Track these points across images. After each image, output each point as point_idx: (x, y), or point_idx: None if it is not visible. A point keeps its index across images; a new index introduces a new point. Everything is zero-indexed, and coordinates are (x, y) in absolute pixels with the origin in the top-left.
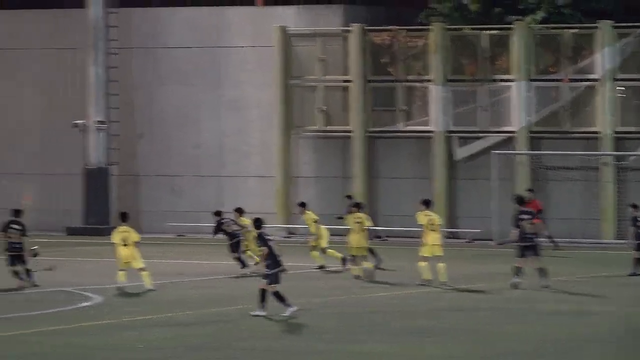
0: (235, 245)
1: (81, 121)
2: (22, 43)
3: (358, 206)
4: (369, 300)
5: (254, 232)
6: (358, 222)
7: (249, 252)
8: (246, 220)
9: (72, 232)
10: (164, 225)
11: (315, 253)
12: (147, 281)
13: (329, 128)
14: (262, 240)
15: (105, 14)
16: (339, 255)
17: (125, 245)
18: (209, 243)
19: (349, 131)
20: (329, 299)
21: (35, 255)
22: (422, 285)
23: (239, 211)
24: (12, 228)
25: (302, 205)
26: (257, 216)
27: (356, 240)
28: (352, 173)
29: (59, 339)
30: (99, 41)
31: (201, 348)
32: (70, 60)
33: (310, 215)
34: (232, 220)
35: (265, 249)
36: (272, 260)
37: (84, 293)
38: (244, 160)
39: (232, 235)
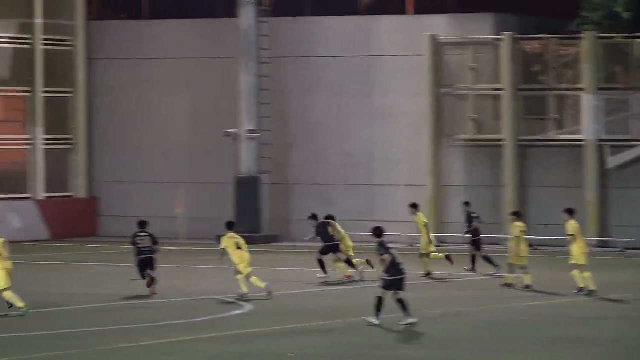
0: (332, 249)
1: (233, 130)
2: (175, 52)
3: (518, 215)
4: (520, 309)
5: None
6: (522, 231)
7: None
8: (337, 228)
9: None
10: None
11: (425, 260)
12: (259, 284)
13: (479, 137)
14: (383, 248)
15: (257, 24)
16: (441, 256)
17: (239, 249)
18: (357, 251)
19: (500, 140)
20: (482, 308)
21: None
22: (578, 293)
23: (332, 218)
24: (139, 236)
25: (414, 206)
26: (378, 225)
27: (519, 249)
28: (503, 181)
29: (211, 346)
30: (250, 50)
31: (352, 356)
32: (222, 69)
33: (420, 217)
34: (326, 224)
35: (387, 257)
36: (394, 268)
37: (236, 301)
38: (393, 169)
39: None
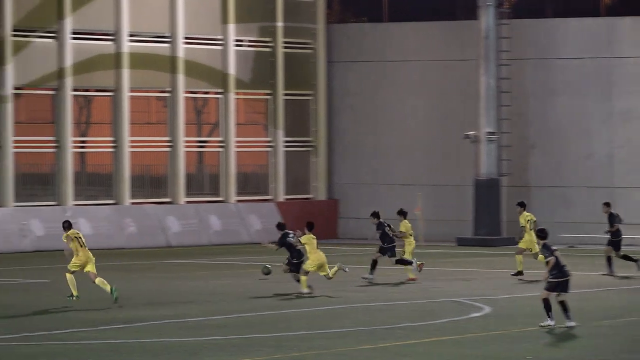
0: (387, 251)
1: (472, 132)
2: (414, 54)
3: None
4: None
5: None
6: None
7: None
8: (406, 226)
9: (462, 242)
10: (556, 236)
11: (520, 257)
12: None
13: None
14: (547, 250)
15: (497, 26)
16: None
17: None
18: (594, 254)
19: None
20: None
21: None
22: None
23: (403, 214)
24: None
25: (522, 205)
26: (542, 227)
27: None
28: None
29: (449, 349)
30: (490, 52)
31: None
32: (462, 72)
33: (525, 216)
34: (388, 225)
35: (552, 259)
36: (558, 270)
37: (475, 303)
38: (634, 172)
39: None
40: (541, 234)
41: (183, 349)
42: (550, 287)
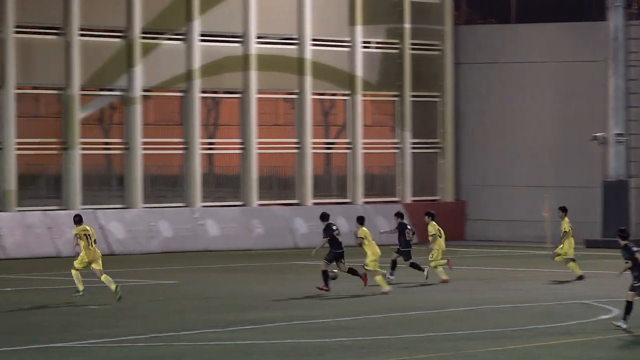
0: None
1: (600, 134)
2: (542, 55)
3: None
4: None
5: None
6: None
7: (433, 263)
8: (434, 227)
9: (591, 244)
10: None
11: (572, 264)
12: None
13: None
14: (628, 251)
15: (626, 27)
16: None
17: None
18: None
19: None
20: None
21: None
22: None
23: (432, 215)
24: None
25: (563, 210)
26: (622, 227)
27: None
28: None
29: (575, 351)
30: (619, 53)
31: None
32: (590, 72)
33: (566, 222)
34: (408, 227)
35: (629, 263)
36: (638, 272)
37: (603, 305)
38: None
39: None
40: (622, 234)
41: (311, 349)
42: (632, 289)
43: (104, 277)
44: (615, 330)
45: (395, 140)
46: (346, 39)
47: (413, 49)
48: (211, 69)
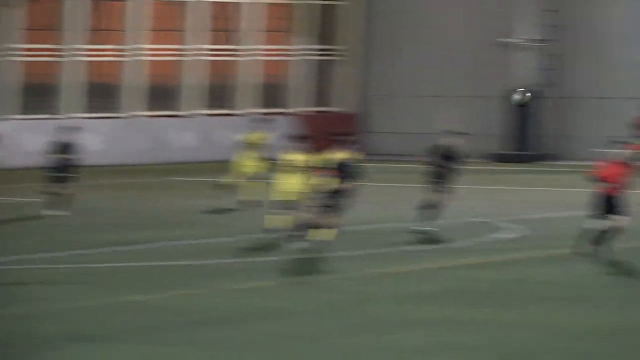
0: None
1: (510, 39)
2: None
3: None
4: None
5: None
6: None
7: None
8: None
9: (496, 158)
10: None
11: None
12: None
13: None
14: None
15: None
16: None
17: None
18: None
19: None
20: None
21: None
22: None
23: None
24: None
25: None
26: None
27: None
28: None
29: (485, 273)
30: None
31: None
32: None
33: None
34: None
35: None
36: None
37: (507, 225)
38: None
39: None
40: None
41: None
42: None
43: None
44: (520, 250)
45: (291, 47)
46: None
47: None
48: None
